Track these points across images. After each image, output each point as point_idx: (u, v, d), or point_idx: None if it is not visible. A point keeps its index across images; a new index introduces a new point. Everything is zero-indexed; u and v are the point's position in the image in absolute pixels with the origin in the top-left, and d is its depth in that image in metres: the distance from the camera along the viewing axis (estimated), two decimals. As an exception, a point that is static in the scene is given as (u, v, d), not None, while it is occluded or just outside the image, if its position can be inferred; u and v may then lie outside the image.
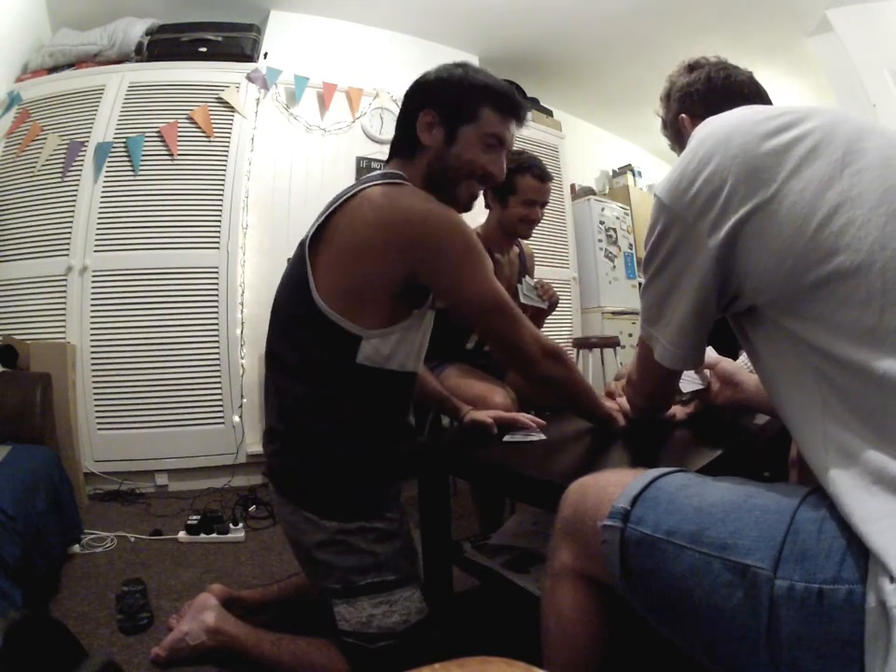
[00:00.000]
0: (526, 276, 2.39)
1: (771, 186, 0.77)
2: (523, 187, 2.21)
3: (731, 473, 0.87)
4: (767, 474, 1.51)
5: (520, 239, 2.43)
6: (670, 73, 1.37)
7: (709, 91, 1.26)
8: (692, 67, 1.32)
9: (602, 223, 5.38)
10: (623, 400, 1.47)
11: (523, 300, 2.20)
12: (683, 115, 1.29)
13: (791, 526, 0.68)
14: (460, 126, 1.38)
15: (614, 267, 5.40)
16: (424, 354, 1.49)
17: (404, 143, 1.45)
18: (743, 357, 1.59)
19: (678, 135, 1.32)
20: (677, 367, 1.00)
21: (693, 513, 0.76)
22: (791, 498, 0.73)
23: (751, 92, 1.25)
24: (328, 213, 1.33)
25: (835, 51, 3.94)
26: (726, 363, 1.46)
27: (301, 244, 1.36)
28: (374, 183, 1.32)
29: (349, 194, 1.32)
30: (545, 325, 2.47)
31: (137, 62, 3.70)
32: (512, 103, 1.42)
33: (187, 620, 1.53)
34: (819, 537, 0.65)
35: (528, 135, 4.83)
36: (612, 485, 0.87)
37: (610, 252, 5.39)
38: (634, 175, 6.24)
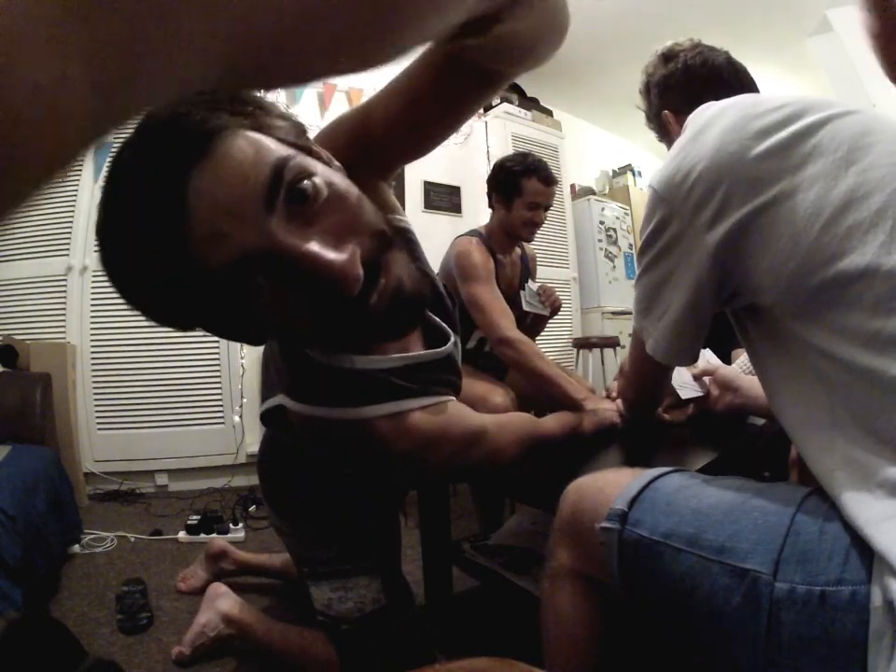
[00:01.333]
0: (529, 281, 2.38)
1: (773, 186, 0.75)
2: (528, 190, 2.19)
3: (731, 473, 0.86)
4: (768, 474, 1.51)
5: (522, 242, 2.43)
6: (645, 64, 1.32)
7: (688, 82, 1.23)
8: (667, 58, 1.28)
9: (602, 223, 5.38)
10: (621, 402, 1.47)
11: (525, 307, 2.19)
12: (666, 111, 1.27)
13: (790, 528, 0.67)
14: None
15: (614, 267, 5.41)
16: None
17: None
18: (739, 362, 1.59)
19: (664, 130, 1.30)
20: (668, 362, 0.97)
21: (691, 515, 0.76)
22: (791, 500, 0.72)
23: (731, 76, 1.22)
24: None
25: (835, 51, 3.93)
26: (725, 369, 1.46)
27: None
28: None
29: None
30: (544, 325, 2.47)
31: (137, 62, 3.69)
32: None
33: (203, 611, 1.56)
34: (820, 538, 0.65)
35: (528, 135, 4.84)
36: (610, 486, 0.86)
37: (610, 252, 5.40)
38: (634, 175, 6.23)
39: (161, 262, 0.60)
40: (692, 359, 0.98)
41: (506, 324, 1.96)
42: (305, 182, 0.62)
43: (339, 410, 0.95)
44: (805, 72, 4.62)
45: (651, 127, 1.36)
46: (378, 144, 0.85)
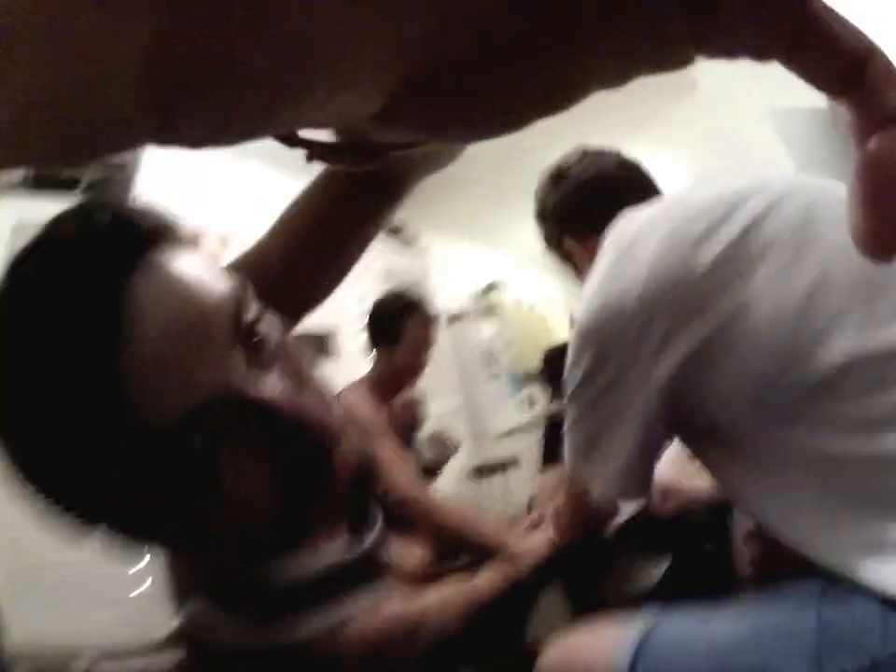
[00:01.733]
0: (421, 432, 2.29)
1: (724, 303, 0.71)
2: (412, 330, 2.09)
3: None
4: (710, 546, 1.37)
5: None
6: (535, 189, 1.27)
7: (583, 202, 1.17)
8: (556, 179, 1.23)
9: (480, 344, 5.39)
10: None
11: (426, 460, 2.14)
12: (568, 237, 1.20)
13: (820, 626, 0.65)
14: None
15: (498, 386, 5.39)
16: None
17: None
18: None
19: (567, 256, 1.23)
20: (623, 498, 0.97)
21: (708, 657, 0.70)
22: (802, 599, 0.70)
23: (623, 176, 1.18)
24: None
25: (703, 113, 3.89)
26: (661, 475, 1.38)
27: None
28: None
29: None
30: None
31: None
32: None
33: None
34: (853, 618, 0.64)
35: (396, 267, 4.57)
36: (599, 657, 0.79)
37: (492, 371, 5.39)
38: (502, 289, 6.37)
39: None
40: (646, 490, 0.94)
41: (402, 482, 1.80)
42: (263, 321, 0.51)
43: (263, 631, 0.73)
44: (677, 140, 4.50)
45: (550, 252, 1.29)
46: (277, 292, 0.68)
